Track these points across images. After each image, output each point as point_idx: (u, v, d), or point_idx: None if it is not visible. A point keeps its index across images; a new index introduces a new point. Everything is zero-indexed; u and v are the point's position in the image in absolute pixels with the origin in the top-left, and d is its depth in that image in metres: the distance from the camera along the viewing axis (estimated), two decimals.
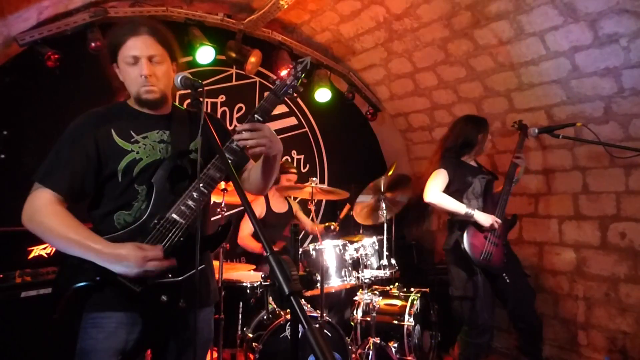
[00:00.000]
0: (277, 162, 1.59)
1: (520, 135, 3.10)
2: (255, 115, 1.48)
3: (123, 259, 1.31)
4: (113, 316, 1.36)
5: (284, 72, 1.57)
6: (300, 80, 1.55)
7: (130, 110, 1.54)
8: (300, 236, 4.21)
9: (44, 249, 2.61)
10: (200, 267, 1.44)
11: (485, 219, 2.74)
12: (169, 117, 1.57)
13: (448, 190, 2.86)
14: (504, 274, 2.77)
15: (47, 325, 1.37)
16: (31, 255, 2.56)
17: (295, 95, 1.57)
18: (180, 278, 1.40)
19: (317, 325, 2.66)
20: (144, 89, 1.46)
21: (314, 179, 3.21)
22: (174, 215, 1.40)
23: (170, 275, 1.39)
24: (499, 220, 2.76)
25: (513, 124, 3.20)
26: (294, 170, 3.82)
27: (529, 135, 3.04)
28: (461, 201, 2.83)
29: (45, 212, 1.35)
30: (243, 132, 1.44)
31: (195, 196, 1.41)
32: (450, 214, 2.91)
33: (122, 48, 1.45)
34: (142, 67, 1.45)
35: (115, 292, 1.34)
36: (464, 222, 2.79)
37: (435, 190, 2.83)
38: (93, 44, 3.13)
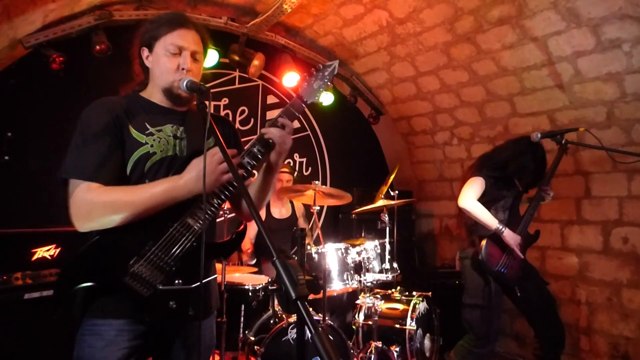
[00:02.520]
0: (276, 175, 1.54)
1: (559, 153, 2.80)
2: (280, 120, 1.42)
3: (201, 175, 1.25)
4: (113, 324, 1.31)
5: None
6: (327, 86, 1.49)
7: (144, 101, 1.48)
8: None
9: (47, 250, 2.61)
10: (213, 277, 1.39)
11: (513, 239, 2.71)
12: (183, 112, 1.51)
13: (481, 199, 2.80)
14: (516, 287, 2.74)
15: (48, 328, 1.32)
16: (34, 257, 2.56)
17: (321, 102, 1.51)
18: (192, 286, 1.34)
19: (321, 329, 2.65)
20: (178, 83, 1.41)
21: (317, 182, 3.21)
22: (189, 220, 1.33)
23: (180, 282, 1.33)
24: (520, 245, 2.74)
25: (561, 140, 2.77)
26: (286, 170, 3.77)
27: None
28: (489, 210, 2.78)
29: (99, 193, 1.28)
30: (277, 126, 1.39)
31: (210, 200, 1.34)
32: (476, 223, 2.85)
33: (167, 35, 1.42)
34: (185, 59, 1.42)
35: (119, 298, 1.29)
36: (485, 231, 2.76)
37: (471, 197, 2.77)
38: (98, 47, 3.15)
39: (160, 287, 1.31)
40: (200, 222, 1.34)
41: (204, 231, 1.31)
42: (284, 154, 1.45)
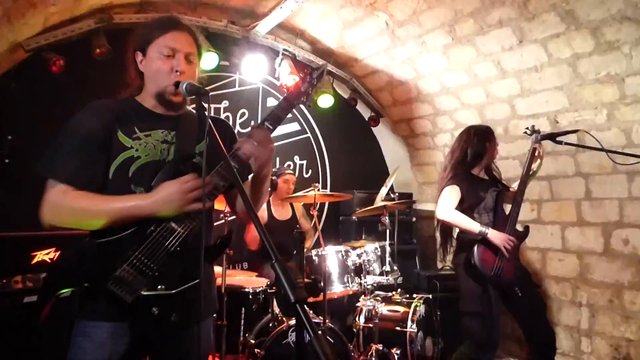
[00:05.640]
0: (267, 182, 1.55)
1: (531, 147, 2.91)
2: (266, 123, 1.42)
3: (167, 199, 1.29)
4: (103, 326, 1.31)
5: (297, 78, 1.52)
6: (315, 88, 1.48)
7: (137, 105, 1.48)
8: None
9: (47, 254, 2.61)
10: (195, 282, 1.37)
11: (498, 238, 2.68)
12: (177, 117, 1.50)
13: (461, 206, 2.81)
14: (516, 288, 2.71)
15: (36, 332, 1.33)
16: (34, 261, 2.57)
17: (308, 105, 1.51)
18: (173, 291, 1.33)
19: (319, 332, 2.64)
20: (172, 88, 1.41)
21: (317, 184, 3.22)
22: (172, 224, 1.33)
23: (162, 287, 1.32)
24: (512, 240, 2.70)
25: (525, 130, 2.99)
26: (290, 171, 3.82)
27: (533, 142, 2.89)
28: (472, 216, 2.78)
29: (69, 198, 1.31)
30: (249, 143, 1.39)
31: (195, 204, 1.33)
32: (462, 230, 2.86)
33: (160, 38, 1.42)
34: (178, 61, 1.41)
35: (106, 301, 1.29)
36: (475, 238, 2.75)
37: (448, 207, 2.79)
38: (98, 50, 3.16)
39: (143, 292, 1.30)
40: (184, 226, 1.34)
41: (203, 235, 1.30)
42: (266, 165, 1.46)
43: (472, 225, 2.73)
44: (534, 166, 2.88)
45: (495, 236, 2.68)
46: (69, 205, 1.32)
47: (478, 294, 2.73)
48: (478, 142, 2.93)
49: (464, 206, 2.82)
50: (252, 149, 1.39)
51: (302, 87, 1.47)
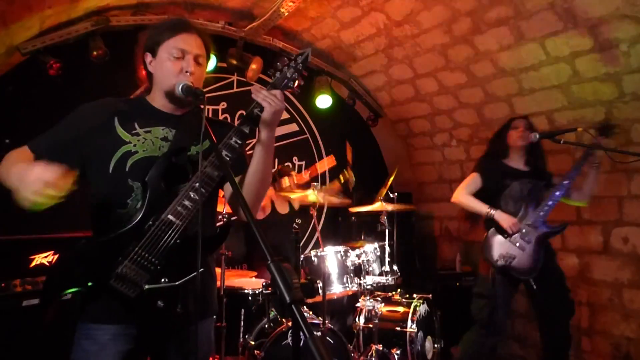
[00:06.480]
0: (271, 155, 1.51)
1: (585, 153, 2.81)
2: (255, 111, 1.43)
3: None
4: (106, 328, 1.32)
5: (281, 65, 1.48)
6: (301, 74, 1.47)
7: (144, 104, 1.51)
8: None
9: (46, 257, 2.61)
10: (198, 272, 1.35)
11: (505, 220, 2.73)
12: (180, 117, 1.52)
13: (484, 192, 2.91)
14: (531, 280, 2.72)
15: (39, 334, 1.33)
16: (33, 264, 2.56)
17: (296, 89, 1.49)
18: (177, 283, 1.34)
19: (319, 333, 2.64)
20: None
21: (316, 184, 3.21)
22: (170, 216, 1.34)
23: (165, 280, 1.33)
24: (517, 226, 2.72)
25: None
26: (294, 173, 3.81)
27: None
28: (498, 203, 2.83)
29: (13, 159, 1.36)
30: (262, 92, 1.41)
31: (192, 196, 1.35)
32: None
33: (170, 40, 1.45)
34: (188, 63, 1.44)
35: (109, 301, 1.29)
36: (495, 222, 2.80)
37: (463, 192, 2.93)
38: (95, 53, 3.15)
39: (146, 286, 1.31)
40: (182, 218, 1.35)
41: (200, 226, 1.28)
42: (278, 115, 1.43)
43: (481, 207, 2.84)
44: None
45: (502, 217, 2.75)
46: (10, 163, 1.34)
47: (486, 277, 2.80)
48: (496, 135, 3.05)
49: (489, 193, 2.91)
50: (268, 94, 1.41)
51: (288, 73, 1.47)
